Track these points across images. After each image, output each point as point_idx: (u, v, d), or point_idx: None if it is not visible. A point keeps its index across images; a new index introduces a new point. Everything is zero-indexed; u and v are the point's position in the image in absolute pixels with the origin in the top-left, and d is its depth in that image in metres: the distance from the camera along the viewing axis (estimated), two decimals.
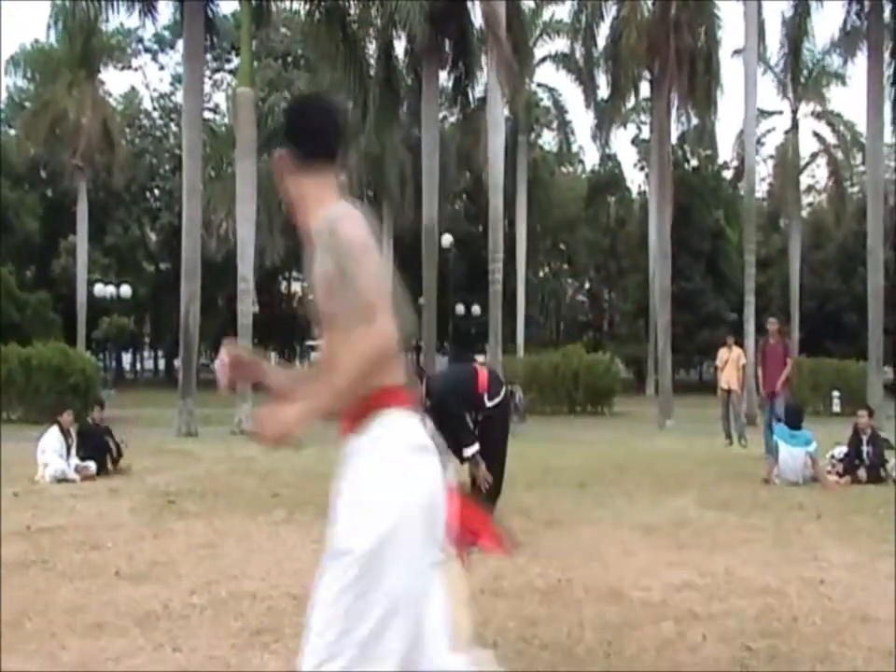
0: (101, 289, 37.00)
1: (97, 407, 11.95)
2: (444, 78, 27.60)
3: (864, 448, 11.10)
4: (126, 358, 60.67)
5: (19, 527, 7.61)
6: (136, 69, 55.22)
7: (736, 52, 38.00)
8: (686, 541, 7.28)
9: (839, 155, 46.35)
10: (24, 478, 10.59)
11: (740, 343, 19.32)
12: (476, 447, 6.88)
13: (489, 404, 7.08)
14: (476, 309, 41.18)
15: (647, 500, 9.44)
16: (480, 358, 42.19)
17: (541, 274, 58.22)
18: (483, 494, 6.96)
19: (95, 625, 4.87)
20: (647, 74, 31.84)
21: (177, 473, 11.53)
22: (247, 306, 20.89)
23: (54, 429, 10.83)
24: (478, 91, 30.36)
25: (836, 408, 26.85)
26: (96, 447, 11.28)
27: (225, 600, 5.39)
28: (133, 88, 54.72)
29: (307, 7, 25.16)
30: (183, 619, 5.02)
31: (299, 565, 6.30)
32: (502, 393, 7.22)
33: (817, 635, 4.84)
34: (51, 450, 10.63)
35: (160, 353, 66.70)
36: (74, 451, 11.03)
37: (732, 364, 17.38)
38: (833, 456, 11.52)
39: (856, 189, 51.45)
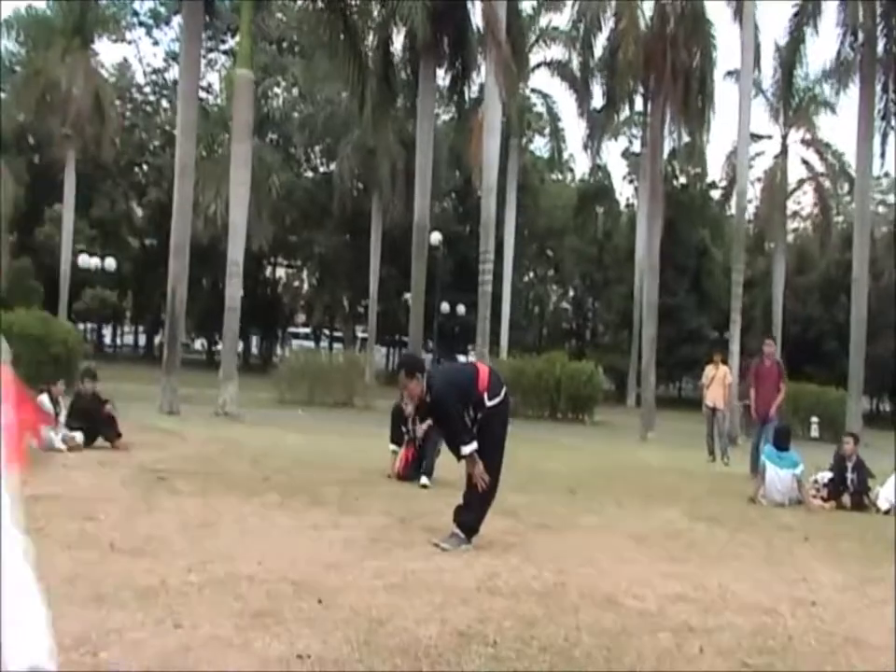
0: (85, 260, 36.85)
1: (87, 378, 11.80)
2: (440, 76, 27.65)
3: (849, 475, 11.18)
4: (106, 332, 60.22)
5: None
6: (130, 42, 55.12)
7: (729, 74, 38.31)
8: (678, 553, 7.31)
9: (826, 183, 46.69)
10: None
11: (725, 361, 19.31)
12: (474, 445, 6.87)
13: (489, 403, 7.05)
14: (461, 308, 41.25)
15: (636, 510, 9.48)
16: (462, 358, 42.29)
17: (526, 279, 58.34)
18: (478, 492, 6.98)
19: (95, 596, 4.83)
20: (640, 88, 32.05)
21: (166, 451, 11.49)
22: (236, 290, 20.76)
23: (44, 398, 10.74)
24: (472, 91, 30.56)
25: (815, 433, 27.10)
26: (85, 416, 11.19)
27: (223, 580, 5.36)
28: (125, 60, 54.44)
29: None
30: (182, 595, 4.99)
31: (295, 550, 6.31)
32: (502, 392, 7.20)
33: (812, 655, 4.86)
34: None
35: (140, 328, 66.41)
36: (62, 420, 10.96)
37: (718, 382, 17.39)
38: (816, 481, 11.60)
39: (841, 218, 51.93)
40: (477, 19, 25.35)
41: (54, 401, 10.95)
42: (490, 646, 4.54)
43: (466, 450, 6.86)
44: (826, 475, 11.63)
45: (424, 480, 10.14)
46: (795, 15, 30.00)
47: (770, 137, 44.16)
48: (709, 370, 17.69)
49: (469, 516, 6.98)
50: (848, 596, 6.26)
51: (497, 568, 6.21)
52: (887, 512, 10.71)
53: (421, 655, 4.31)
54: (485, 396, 7.01)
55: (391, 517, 7.88)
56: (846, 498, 11.08)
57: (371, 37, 26.65)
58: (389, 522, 7.69)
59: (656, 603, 5.65)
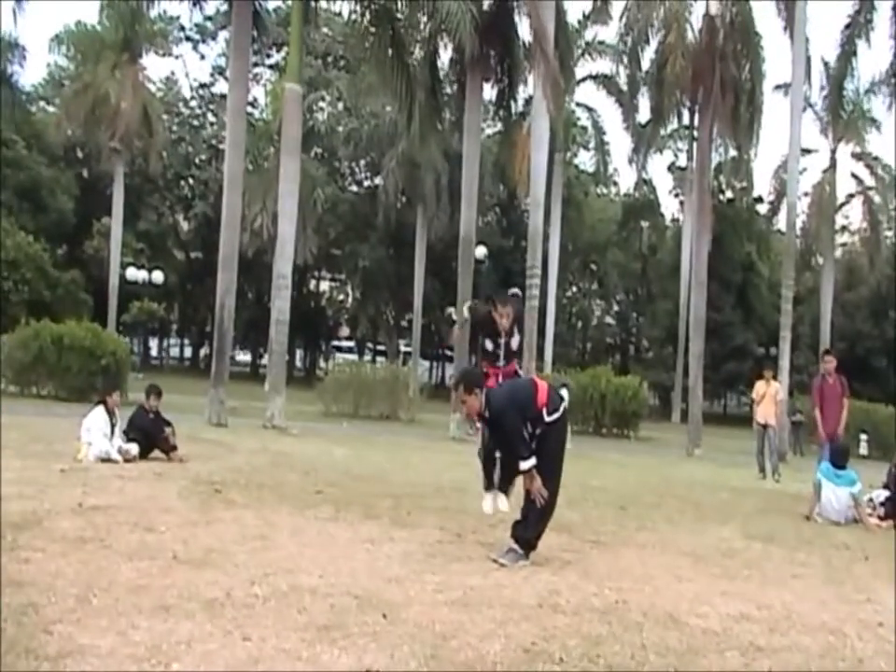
0: (133, 273, 37.30)
1: (153, 395, 11.84)
2: (486, 90, 27.67)
3: None
4: (153, 344, 60.92)
5: (71, 504, 7.65)
6: (177, 57, 55.98)
7: (778, 87, 38.06)
8: (736, 572, 7.22)
9: (876, 198, 46.15)
10: (67, 455, 10.63)
11: (775, 377, 19.05)
12: (533, 461, 6.83)
13: (547, 419, 7.01)
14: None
15: (690, 527, 9.38)
16: None
17: (570, 294, 58.22)
18: (536, 508, 6.94)
19: (161, 607, 4.86)
20: (686, 101, 31.92)
21: (218, 463, 11.55)
22: (285, 303, 20.83)
23: (100, 409, 10.84)
24: (518, 105, 30.50)
25: (863, 450, 26.71)
26: (143, 431, 11.29)
27: (286, 593, 5.36)
28: (171, 75, 55.31)
29: (356, 6, 25.19)
30: (247, 608, 5.00)
31: (354, 563, 6.31)
32: (561, 408, 7.16)
33: None
34: (96, 429, 10.65)
35: (186, 340, 67.09)
36: (118, 432, 11.05)
37: (769, 398, 17.10)
38: (871, 500, 11.41)
39: (890, 232, 51.26)
40: (524, 32, 25.41)
41: (110, 412, 11.03)
42: (556, 663, 4.50)
43: (525, 465, 6.83)
44: (882, 493, 11.44)
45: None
46: (847, 27, 29.72)
47: (817, 151, 43.82)
48: (760, 386, 17.43)
49: (527, 532, 6.94)
50: None
51: (556, 585, 6.17)
52: None
53: (488, 671, 4.28)
54: (544, 411, 6.98)
55: (445, 531, 7.86)
56: None
57: (417, 51, 26.75)
58: (444, 536, 7.68)
59: (720, 622, 5.58)
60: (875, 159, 44.47)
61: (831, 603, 6.39)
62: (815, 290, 45.25)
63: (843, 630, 5.64)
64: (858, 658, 5.08)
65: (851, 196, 46.72)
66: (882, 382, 38.94)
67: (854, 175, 45.40)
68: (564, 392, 24.01)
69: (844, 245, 55.54)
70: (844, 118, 39.98)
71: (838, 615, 6.03)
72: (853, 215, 52.23)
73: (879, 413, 28.53)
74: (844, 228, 54.40)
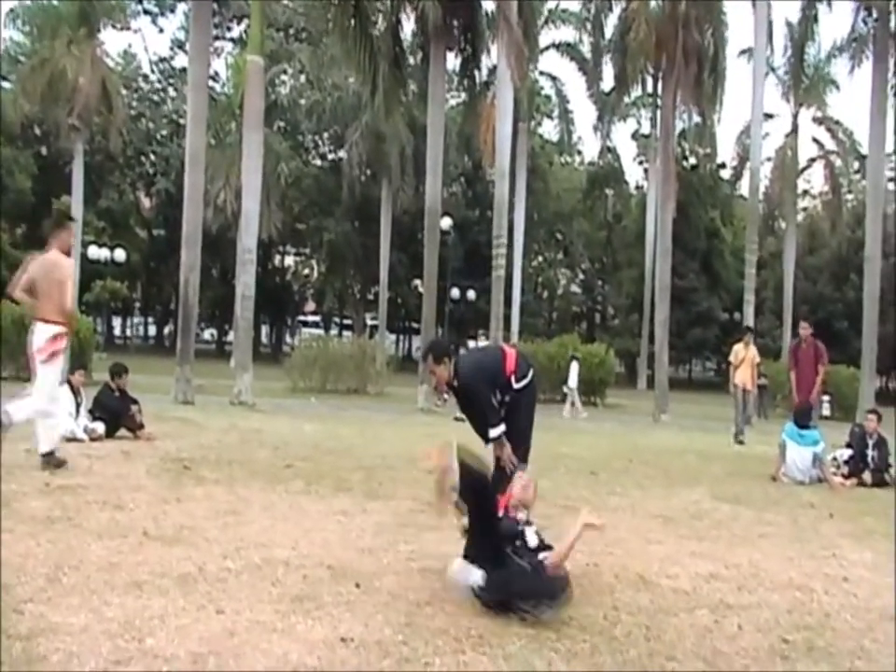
0: (95, 252, 36.88)
1: (123, 374, 11.72)
2: (451, 60, 27.54)
3: (870, 452, 11.19)
4: (116, 323, 60.42)
5: (38, 484, 7.60)
6: (135, 31, 55.10)
7: (742, 53, 38.18)
8: (705, 533, 7.32)
9: (837, 161, 46.53)
10: (31, 435, 10.51)
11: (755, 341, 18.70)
12: (502, 428, 6.83)
13: (516, 386, 7.01)
14: (471, 294, 41.24)
15: (659, 491, 9.50)
16: (472, 344, 42.27)
17: (536, 263, 58.34)
18: (506, 475, 6.97)
19: (133, 584, 4.84)
20: (650, 68, 31.90)
21: (187, 441, 11.51)
22: (250, 278, 20.74)
23: (64, 388, 10.74)
24: (481, 75, 30.36)
25: (826, 411, 27.05)
26: (109, 410, 11.21)
27: (259, 566, 5.37)
28: (129, 49, 54.50)
29: None
30: (220, 582, 5.00)
31: (327, 535, 6.33)
32: (530, 375, 7.16)
33: (850, 631, 4.86)
34: (62, 409, 10.55)
35: (150, 319, 66.60)
36: (83, 411, 10.98)
37: (748, 362, 16.86)
38: (835, 459, 11.59)
39: (851, 196, 51.77)
40: (487, 1, 25.32)
41: (75, 391, 10.95)
42: (530, 627, 4.54)
43: (494, 433, 6.84)
44: (846, 453, 11.64)
45: None
46: None
47: (778, 116, 44.09)
48: (739, 349, 17.05)
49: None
50: (879, 573, 6.24)
51: None
52: None
53: (462, 637, 4.31)
54: (513, 378, 6.98)
55: (417, 501, 7.89)
56: (866, 475, 11.06)
57: (380, 21, 26.55)
58: (416, 506, 7.70)
59: (690, 582, 5.66)
60: (836, 123, 44.84)
61: (797, 560, 6.50)
62: (778, 255, 45.65)
63: (809, 586, 5.75)
64: (825, 612, 5.18)
65: (813, 160, 47.11)
66: (843, 344, 39.30)
67: (815, 140, 45.77)
68: (574, 364, 24.21)
69: (806, 209, 56.06)
70: (805, 82, 40.21)
71: (805, 571, 6.14)
72: (815, 179, 52.73)
73: (841, 374, 28.85)
74: (806, 192, 54.89)
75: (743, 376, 16.88)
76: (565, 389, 24.62)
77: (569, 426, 18.80)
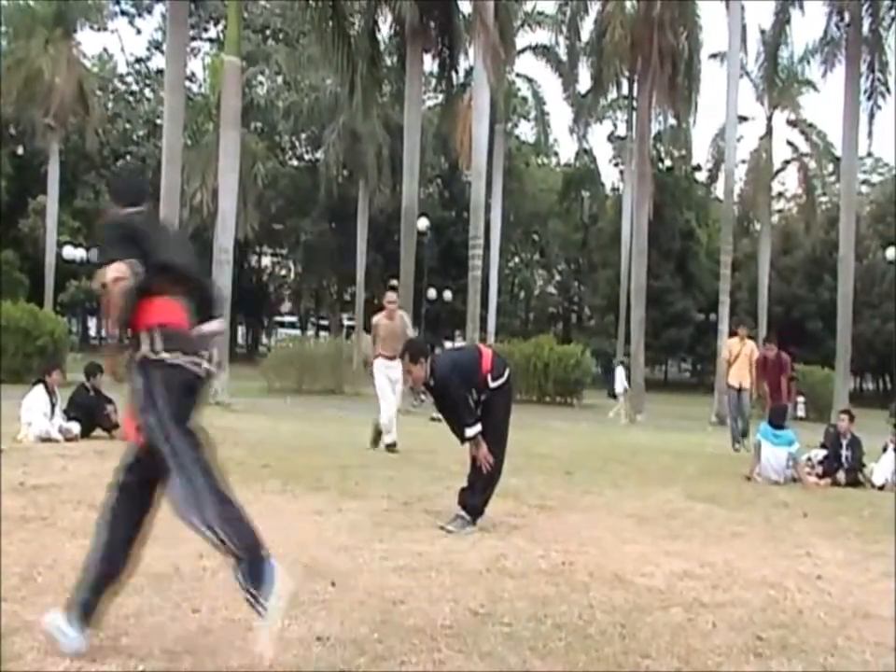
0: (70, 252, 36.62)
1: (99, 374, 11.62)
2: (427, 62, 27.58)
3: (843, 452, 11.28)
4: (91, 324, 59.96)
5: (12, 484, 7.55)
6: (112, 31, 54.70)
7: (713, 56, 38.37)
8: (679, 532, 7.36)
9: (811, 164, 46.82)
10: (6, 436, 10.46)
11: (752, 336, 17.45)
12: (478, 427, 6.88)
13: (492, 385, 7.06)
14: (447, 294, 41.27)
15: (634, 490, 9.53)
16: (448, 344, 42.23)
17: (512, 264, 58.46)
18: (482, 474, 7.00)
19: None
20: (626, 71, 32.03)
21: None
22: (227, 279, 20.64)
23: (39, 388, 10.68)
24: (458, 76, 30.41)
25: (801, 412, 27.20)
26: (84, 409, 11.15)
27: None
28: (106, 50, 54.17)
29: None
30: (196, 580, 5.01)
31: (302, 534, 6.32)
32: (506, 374, 7.20)
33: (823, 628, 4.90)
34: (36, 409, 10.51)
35: None
36: (58, 411, 10.91)
37: (744, 358, 15.32)
38: (810, 459, 11.68)
39: (825, 198, 52.15)
40: (464, 3, 25.38)
41: (50, 392, 10.88)
42: (505, 625, 4.55)
43: (470, 432, 6.88)
44: (820, 453, 11.73)
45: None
46: None
47: (753, 119, 44.32)
48: (733, 344, 15.83)
49: (474, 498, 7.00)
50: (852, 571, 6.30)
51: (503, 549, 6.24)
52: (881, 488, 10.82)
53: (438, 635, 4.32)
54: (489, 377, 7.03)
55: (393, 501, 7.90)
56: (840, 475, 11.15)
57: (357, 22, 26.53)
58: (391, 505, 7.71)
59: (664, 580, 5.68)
60: (810, 125, 45.10)
61: (771, 559, 6.53)
62: (752, 256, 45.91)
63: (783, 584, 5.78)
64: (798, 610, 5.21)
65: (787, 162, 47.37)
66: (817, 345, 39.67)
67: (789, 142, 46.02)
68: (620, 370, 24.20)
69: (780, 211, 56.45)
70: (779, 85, 40.45)
71: (778, 570, 6.17)
72: (789, 181, 53.11)
73: (815, 375, 29.08)
74: (780, 194, 55.29)
75: (740, 373, 15.43)
76: (618, 395, 25.11)
77: (545, 425, 18.81)
